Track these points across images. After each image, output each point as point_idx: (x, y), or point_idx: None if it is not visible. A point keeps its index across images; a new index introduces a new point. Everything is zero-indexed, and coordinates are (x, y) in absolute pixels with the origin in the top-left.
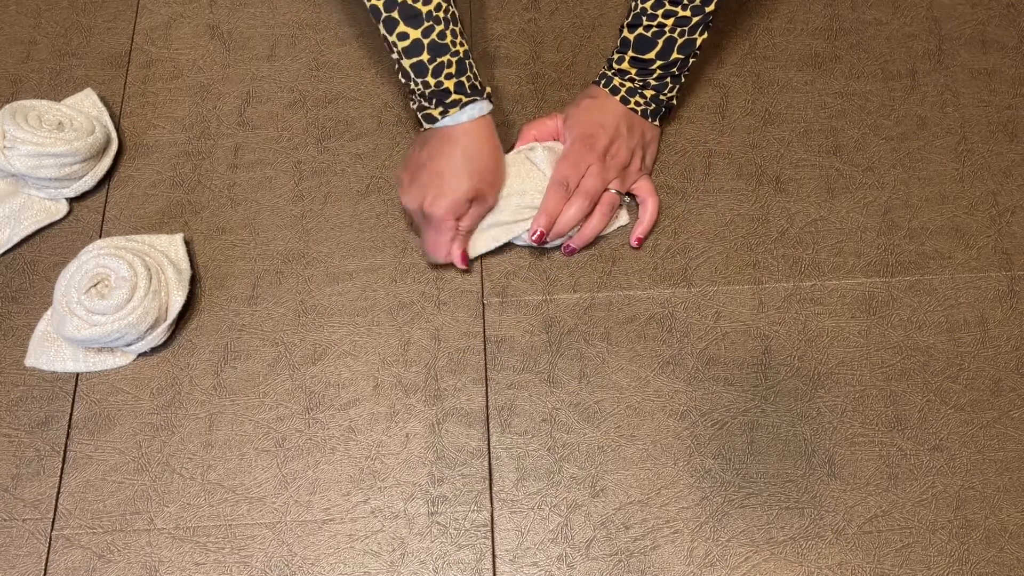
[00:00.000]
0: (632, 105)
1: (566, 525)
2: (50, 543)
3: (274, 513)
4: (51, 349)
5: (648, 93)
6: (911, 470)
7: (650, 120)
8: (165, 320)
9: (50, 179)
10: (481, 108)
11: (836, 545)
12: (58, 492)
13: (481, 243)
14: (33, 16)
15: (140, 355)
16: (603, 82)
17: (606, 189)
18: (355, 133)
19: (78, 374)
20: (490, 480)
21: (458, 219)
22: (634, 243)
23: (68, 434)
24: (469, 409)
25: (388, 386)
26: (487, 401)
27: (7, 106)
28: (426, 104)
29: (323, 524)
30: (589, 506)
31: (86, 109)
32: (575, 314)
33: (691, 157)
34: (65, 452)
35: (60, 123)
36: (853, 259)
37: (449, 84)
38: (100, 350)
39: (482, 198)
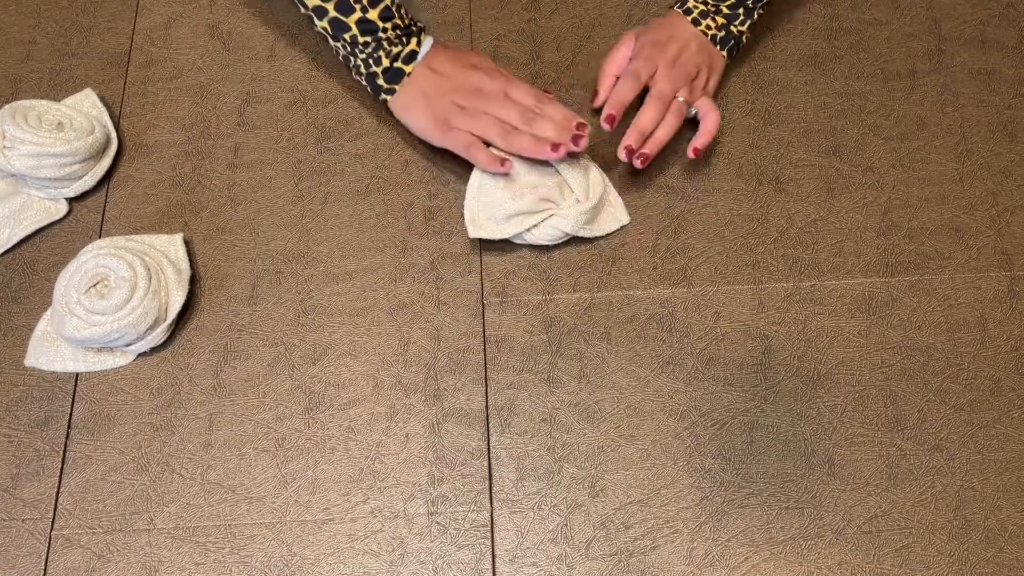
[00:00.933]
0: (703, 28)
1: (566, 525)
2: (50, 543)
3: (274, 513)
4: (51, 349)
5: (719, 20)
6: (911, 470)
7: (719, 48)
8: (165, 320)
9: (50, 179)
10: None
11: (836, 545)
12: (58, 492)
13: (500, 229)
14: (33, 16)
15: (140, 355)
16: (677, 4)
17: (675, 97)
18: (355, 133)
19: (78, 374)
20: (490, 480)
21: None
22: (691, 154)
23: (68, 434)
24: (469, 409)
25: (388, 386)
26: (487, 401)
27: (7, 106)
28: (390, 63)
29: (323, 524)
30: (589, 506)
31: (86, 109)
32: (575, 314)
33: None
34: (65, 452)
35: (60, 123)
36: (853, 259)
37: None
38: (100, 350)
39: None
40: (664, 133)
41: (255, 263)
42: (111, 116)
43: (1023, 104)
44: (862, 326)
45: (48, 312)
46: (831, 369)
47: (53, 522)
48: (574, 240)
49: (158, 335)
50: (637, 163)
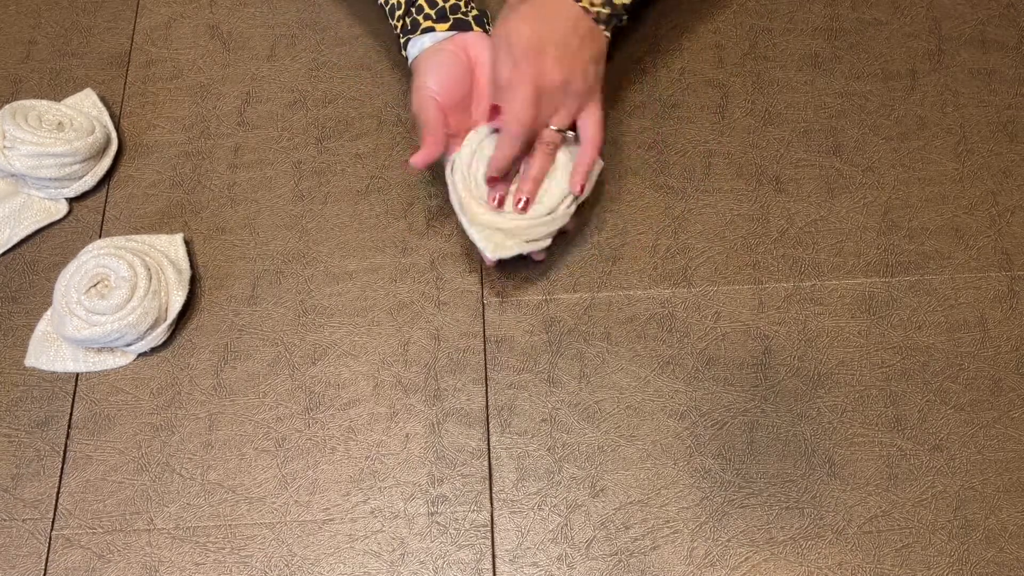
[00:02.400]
0: (585, 3)
1: (566, 525)
2: (50, 543)
3: (274, 513)
4: (51, 349)
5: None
6: (911, 470)
7: (602, 28)
8: (165, 320)
9: (50, 179)
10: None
11: (836, 545)
12: (58, 492)
13: (507, 248)
14: (33, 16)
15: (140, 355)
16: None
17: (545, 125)
18: (355, 133)
19: (78, 374)
20: (490, 480)
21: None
22: (576, 190)
23: (68, 434)
24: (469, 409)
25: (388, 386)
26: (487, 401)
27: (7, 106)
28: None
29: (323, 524)
30: (589, 506)
31: (86, 109)
32: (575, 314)
33: (691, 157)
34: (65, 452)
35: (60, 123)
36: (853, 259)
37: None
38: (100, 350)
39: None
40: (537, 169)
41: (255, 263)
42: (111, 116)
43: (1023, 104)
44: (862, 326)
45: (48, 312)
46: (831, 369)
47: (53, 522)
48: (574, 240)
49: (158, 335)
50: (516, 208)
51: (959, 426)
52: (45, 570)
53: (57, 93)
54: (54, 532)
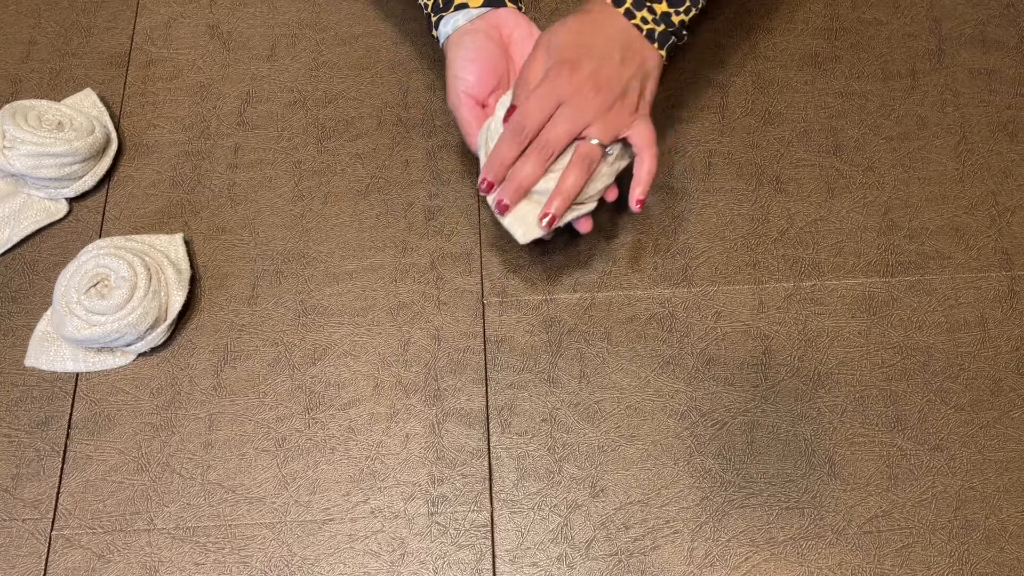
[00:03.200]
0: (638, 20)
1: (566, 525)
2: (50, 543)
3: (274, 513)
4: (51, 349)
5: (660, 8)
6: (911, 470)
7: (656, 46)
8: (165, 320)
9: (50, 179)
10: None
11: (836, 545)
12: (58, 492)
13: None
14: (33, 16)
15: (140, 355)
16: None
17: (581, 137)
18: (355, 133)
19: (78, 374)
20: (490, 480)
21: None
22: (635, 207)
23: (68, 434)
24: (469, 409)
25: (388, 386)
26: (487, 401)
27: (7, 106)
28: None
29: (323, 524)
30: (589, 506)
31: (86, 109)
32: (575, 314)
33: (691, 157)
34: (65, 452)
35: (60, 123)
36: (853, 259)
37: None
38: (100, 350)
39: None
40: (567, 187)
41: (255, 263)
42: (111, 116)
43: (1023, 104)
44: (862, 326)
45: (48, 312)
46: (831, 369)
47: (53, 522)
48: (574, 240)
49: (158, 335)
50: (544, 227)
51: (959, 426)
52: (45, 570)
53: (57, 93)
54: (54, 532)
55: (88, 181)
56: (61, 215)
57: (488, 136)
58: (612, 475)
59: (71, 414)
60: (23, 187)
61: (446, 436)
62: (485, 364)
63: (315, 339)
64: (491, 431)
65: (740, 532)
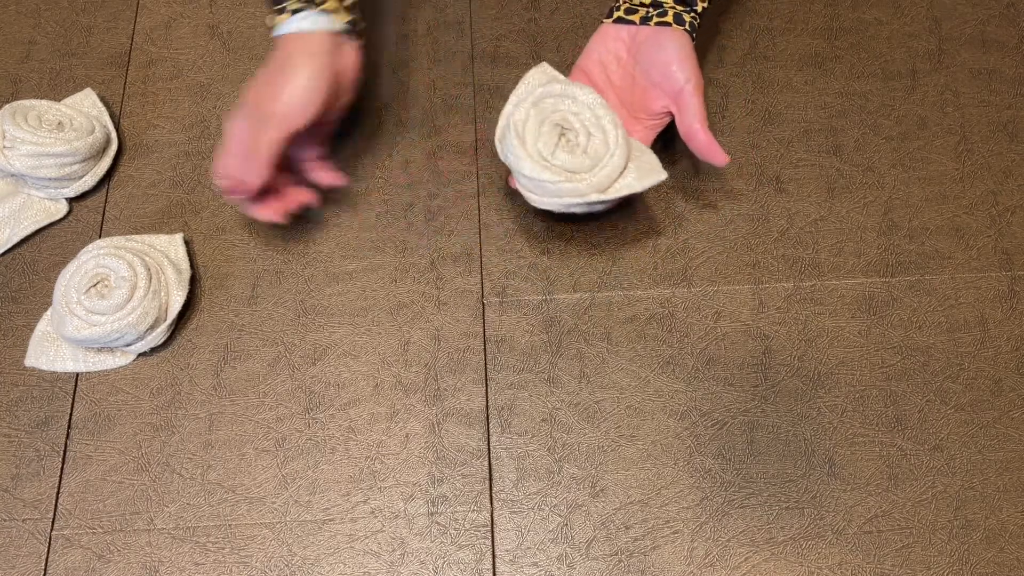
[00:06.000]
0: (687, 27)
1: (566, 525)
2: (50, 543)
3: (274, 513)
4: (51, 349)
5: (700, 7)
6: (911, 470)
7: (692, 36)
8: (165, 320)
9: (50, 179)
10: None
11: (836, 545)
12: (58, 492)
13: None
14: (33, 16)
15: (140, 355)
16: (672, 18)
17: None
18: (355, 133)
19: (78, 374)
20: (490, 480)
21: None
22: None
23: (68, 434)
24: (469, 409)
25: (388, 386)
26: (487, 401)
27: (7, 106)
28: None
29: (323, 524)
30: (589, 506)
31: (86, 109)
32: (575, 314)
33: (691, 157)
34: (65, 452)
35: (60, 123)
36: (853, 259)
37: None
38: (100, 350)
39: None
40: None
41: (255, 263)
42: (111, 116)
43: (1023, 104)
44: (862, 326)
45: (48, 312)
46: (831, 369)
47: (53, 522)
48: (574, 240)
49: (158, 335)
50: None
51: (959, 426)
52: (45, 570)
53: (57, 93)
54: (54, 532)
55: (88, 181)
56: (61, 215)
57: (510, 129)
58: (612, 475)
59: (71, 414)
60: (23, 187)
61: (446, 436)
62: (485, 364)
63: (315, 339)
64: (491, 431)
65: (740, 532)
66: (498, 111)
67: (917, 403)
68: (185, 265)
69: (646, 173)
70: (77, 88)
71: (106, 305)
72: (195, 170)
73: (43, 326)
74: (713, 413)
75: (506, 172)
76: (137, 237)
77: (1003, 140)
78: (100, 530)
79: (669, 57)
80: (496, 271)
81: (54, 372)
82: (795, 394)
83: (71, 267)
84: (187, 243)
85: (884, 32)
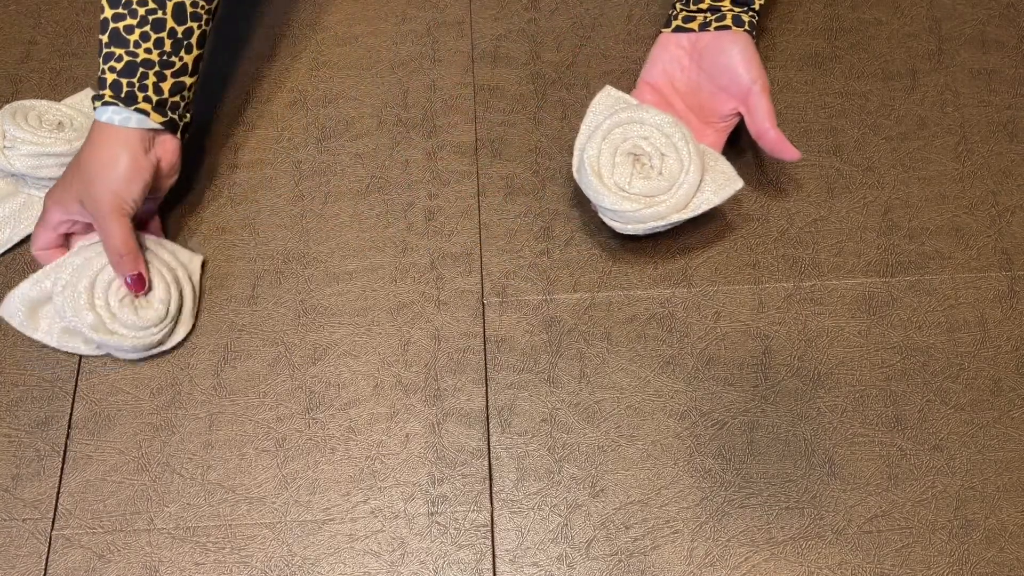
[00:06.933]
0: (747, 27)
1: (566, 525)
2: (50, 543)
3: (274, 513)
4: (28, 312)
5: (758, 5)
6: (911, 470)
7: (753, 36)
8: (165, 345)
9: (50, 179)
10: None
11: (836, 545)
12: (58, 492)
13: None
14: (33, 16)
15: (137, 357)
16: (731, 20)
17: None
18: (355, 133)
19: (79, 374)
20: (490, 480)
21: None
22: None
23: (68, 434)
24: (469, 409)
25: (388, 386)
26: (487, 401)
27: (7, 106)
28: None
29: (323, 524)
30: (589, 506)
31: (86, 109)
32: (575, 314)
33: None
34: (65, 452)
35: (60, 123)
36: (853, 259)
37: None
38: (75, 334)
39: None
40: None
41: (255, 263)
42: None
43: (1023, 104)
44: (862, 326)
45: (38, 275)
46: (831, 369)
47: (53, 522)
48: (574, 240)
49: (150, 353)
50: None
51: (959, 426)
52: (45, 570)
53: (57, 93)
54: (54, 532)
55: None
56: None
57: (585, 162)
58: (612, 475)
59: (71, 414)
60: (23, 187)
61: (446, 436)
62: (485, 364)
63: (315, 339)
64: (491, 431)
65: (740, 532)
66: (498, 111)
67: (917, 403)
68: (196, 292)
69: (722, 185)
70: (77, 88)
71: (135, 321)
72: (194, 169)
73: (34, 291)
74: (713, 413)
75: (579, 194)
76: (167, 244)
77: (1003, 140)
78: (100, 530)
79: (734, 60)
80: (496, 271)
81: (24, 334)
82: (795, 394)
83: (102, 260)
84: (203, 265)
85: (884, 32)
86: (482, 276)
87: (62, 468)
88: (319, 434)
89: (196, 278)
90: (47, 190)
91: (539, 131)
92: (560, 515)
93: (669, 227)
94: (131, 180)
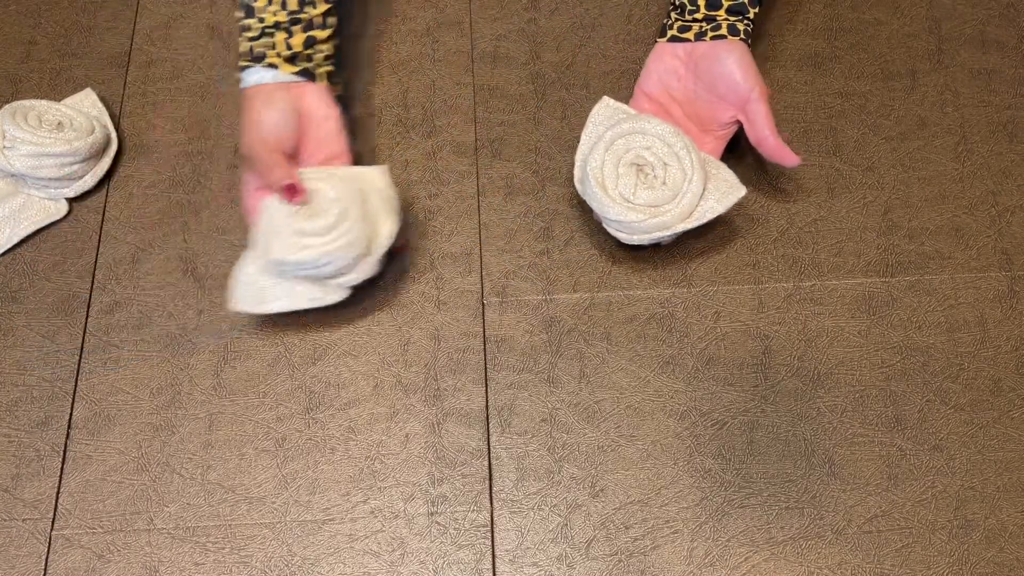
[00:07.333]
0: (742, 35)
1: (566, 525)
2: (50, 543)
3: (274, 513)
4: (259, 290)
5: (752, 13)
6: (911, 470)
7: (748, 44)
8: (378, 251)
9: (50, 179)
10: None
11: (836, 545)
12: (58, 492)
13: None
14: (33, 16)
15: (319, 306)
16: (727, 30)
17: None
18: (355, 133)
19: (78, 373)
20: (490, 480)
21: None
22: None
23: (68, 434)
24: (469, 409)
25: (388, 386)
26: (487, 401)
27: (7, 106)
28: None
29: (323, 524)
30: (589, 506)
31: (86, 109)
32: (575, 314)
33: None
34: (65, 452)
35: (60, 123)
36: (853, 259)
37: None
38: (312, 283)
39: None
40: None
41: None
42: (111, 116)
43: (1023, 104)
44: (862, 326)
45: (247, 253)
46: (831, 369)
47: (53, 522)
48: (574, 240)
49: (370, 266)
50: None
51: (959, 426)
52: (45, 570)
53: (57, 93)
54: (54, 532)
55: (88, 181)
56: (61, 215)
57: (589, 174)
58: (612, 475)
59: (71, 414)
60: (23, 187)
61: (446, 436)
62: (485, 364)
63: (315, 339)
64: (491, 431)
65: (740, 532)
66: (498, 111)
67: (917, 403)
68: (392, 193)
69: (725, 193)
70: (77, 88)
71: (315, 226)
72: (195, 170)
73: (248, 269)
74: (713, 413)
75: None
76: (339, 169)
77: (1003, 140)
78: (100, 530)
79: (731, 69)
80: (496, 271)
81: (265, 314)
82: (795, 394)
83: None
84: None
85: (884, 32)
86: (482, 276)
87: (62, 468)
88: (319, 434)
89: (384, 182)
90: (47, 190)
91: (539, 131)
92: (560, 515)
93: (674, 237)
94: (275, 126)
